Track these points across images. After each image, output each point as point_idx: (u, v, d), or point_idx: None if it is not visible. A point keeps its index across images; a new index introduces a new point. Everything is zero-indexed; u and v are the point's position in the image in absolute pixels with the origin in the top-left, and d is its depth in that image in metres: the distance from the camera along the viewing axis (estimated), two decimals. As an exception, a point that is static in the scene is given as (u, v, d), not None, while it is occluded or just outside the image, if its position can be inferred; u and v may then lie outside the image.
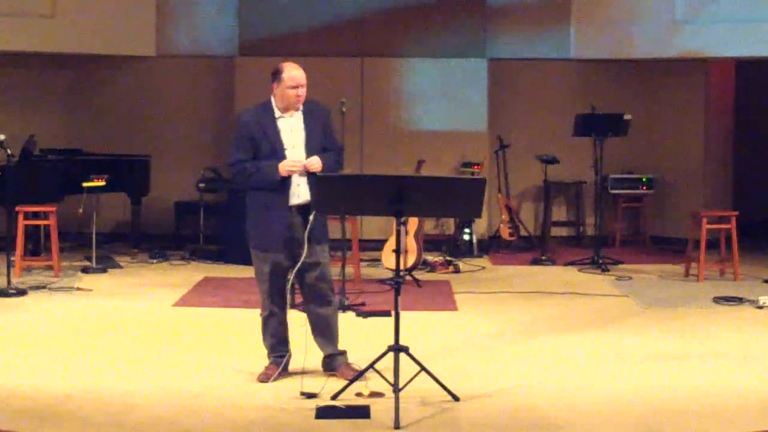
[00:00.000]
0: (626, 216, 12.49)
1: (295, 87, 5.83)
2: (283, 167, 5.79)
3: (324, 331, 6.04)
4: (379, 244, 9.94)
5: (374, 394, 5.58)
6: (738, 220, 9.76)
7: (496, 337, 7.28)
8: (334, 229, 9.26)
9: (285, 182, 5.82)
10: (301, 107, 5.91)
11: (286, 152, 5.85)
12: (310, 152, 5.86)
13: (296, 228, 5.85)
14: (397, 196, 5.30)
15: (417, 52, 12.03)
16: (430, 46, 12.02)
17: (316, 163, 5.80)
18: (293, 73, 5.83)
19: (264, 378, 5.92)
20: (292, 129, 5.90)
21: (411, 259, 9.40)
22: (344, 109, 8.14)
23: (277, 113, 5.89)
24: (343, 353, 6.09)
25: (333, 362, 6.05)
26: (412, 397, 5.47)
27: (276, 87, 5.88)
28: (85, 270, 9.93)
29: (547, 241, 11.47)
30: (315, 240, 5.86)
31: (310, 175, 5.81)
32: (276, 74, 5.86)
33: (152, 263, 10.64)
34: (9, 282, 8.66)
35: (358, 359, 6.03)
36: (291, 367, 6.04)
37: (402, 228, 5.43)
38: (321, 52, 11.78)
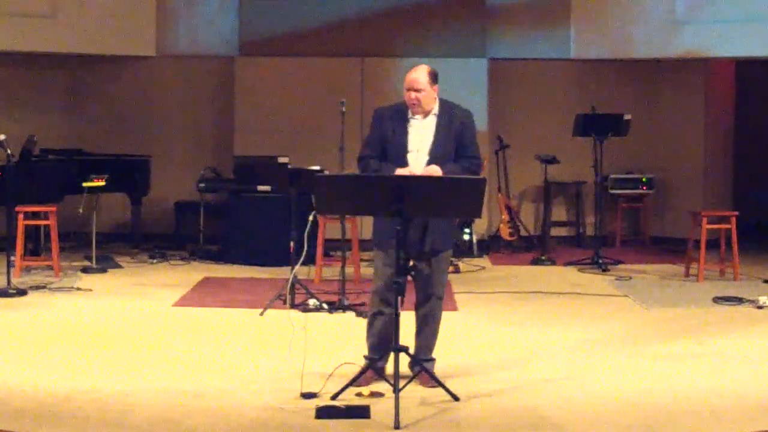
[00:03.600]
0: (626, 216, 12.49)
1: (408, 90, 5.76)
2: (400, 173, 5.65)
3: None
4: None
5: (374, 394, 5.58)
6: (738, 220, 9.76)
7: (496, 337, 7.28)
8: (334, 229, 9.34)
9: None
10: (435, 110, 5.83)
11: (409, 156, 5.75)
12: (434, 157, 5.73)
13: (412, 229, 5.63)
14: (398, 196, 5.29)
15: (417, 52, 12.00)
16: (430, 46, 12.01)
17: (433, 173, 5.66)
18: (408, 75, 5.79)
19: (365, 383, 5.67)
20: (422, 131, 5.80)
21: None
22: (344, 109, 8.15)
23: (410, 114, 5.82)
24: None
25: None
26: (412, 397, 5.47)
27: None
28: (85, 270, 9.93)
29: (547, 241, 11.47)
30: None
31: None
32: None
33: (152, 263, 10.63)
34: (9, 282, 8.65)
35: (358, 359, 6.02)
36: (291, 368, 6.03)
37: (402, 228, 5.42)
38: (321, 52, 11.78)
